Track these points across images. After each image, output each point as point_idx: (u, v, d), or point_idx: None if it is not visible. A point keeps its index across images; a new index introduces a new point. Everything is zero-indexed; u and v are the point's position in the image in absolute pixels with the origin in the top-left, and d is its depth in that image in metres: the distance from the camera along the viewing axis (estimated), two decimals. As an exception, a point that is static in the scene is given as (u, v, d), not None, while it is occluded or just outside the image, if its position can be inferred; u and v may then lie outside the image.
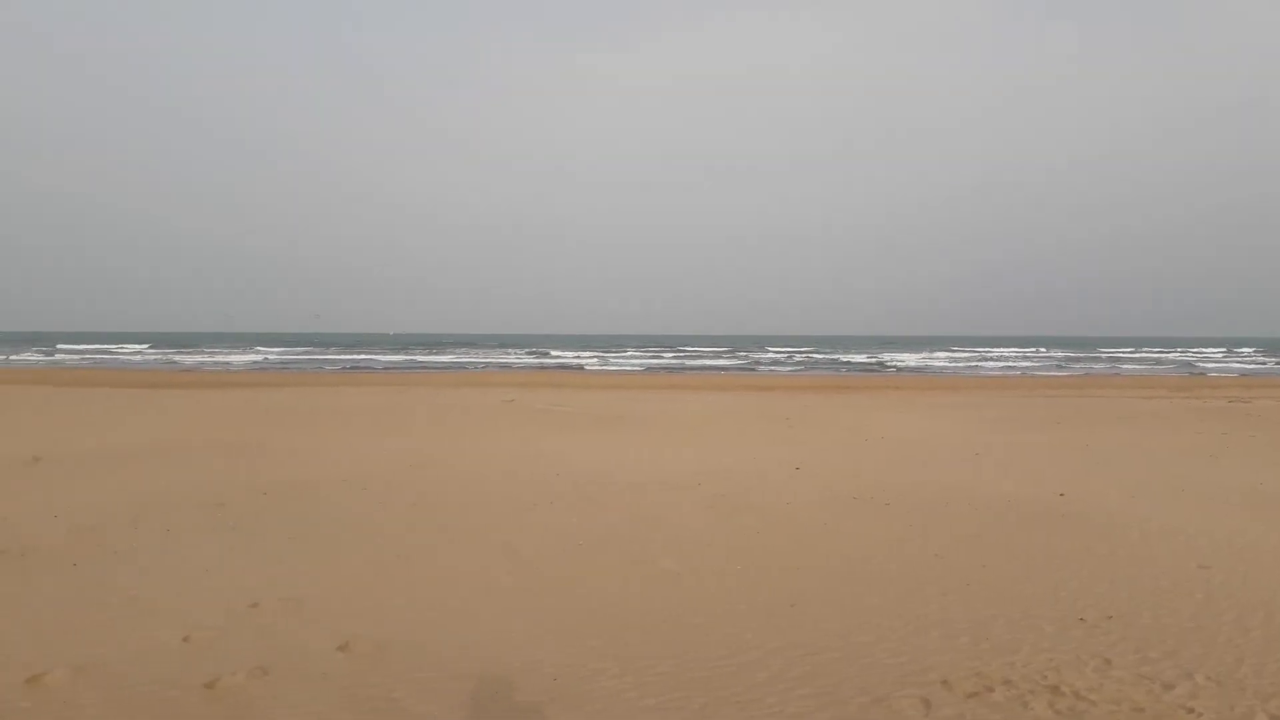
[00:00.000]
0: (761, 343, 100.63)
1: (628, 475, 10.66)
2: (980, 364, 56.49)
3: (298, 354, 67.59)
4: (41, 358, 59.78)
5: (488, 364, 55.91)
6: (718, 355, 68.19)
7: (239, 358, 61.46)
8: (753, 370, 50.88)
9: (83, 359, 57.89)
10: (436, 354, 68.03)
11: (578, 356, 64.89)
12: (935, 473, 11.05)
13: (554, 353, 69.71)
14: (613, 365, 55.82)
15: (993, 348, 79.99)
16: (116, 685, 4.24)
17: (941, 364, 56.67)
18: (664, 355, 67.92)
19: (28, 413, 18.42)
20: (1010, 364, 56.35)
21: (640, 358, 64.53)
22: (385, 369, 49.21)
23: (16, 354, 62.74)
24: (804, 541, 7.43)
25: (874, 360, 59.72)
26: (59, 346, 73.19)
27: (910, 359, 62.03)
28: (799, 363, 58.63)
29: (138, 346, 74.36)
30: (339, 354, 68.10)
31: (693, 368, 53.41)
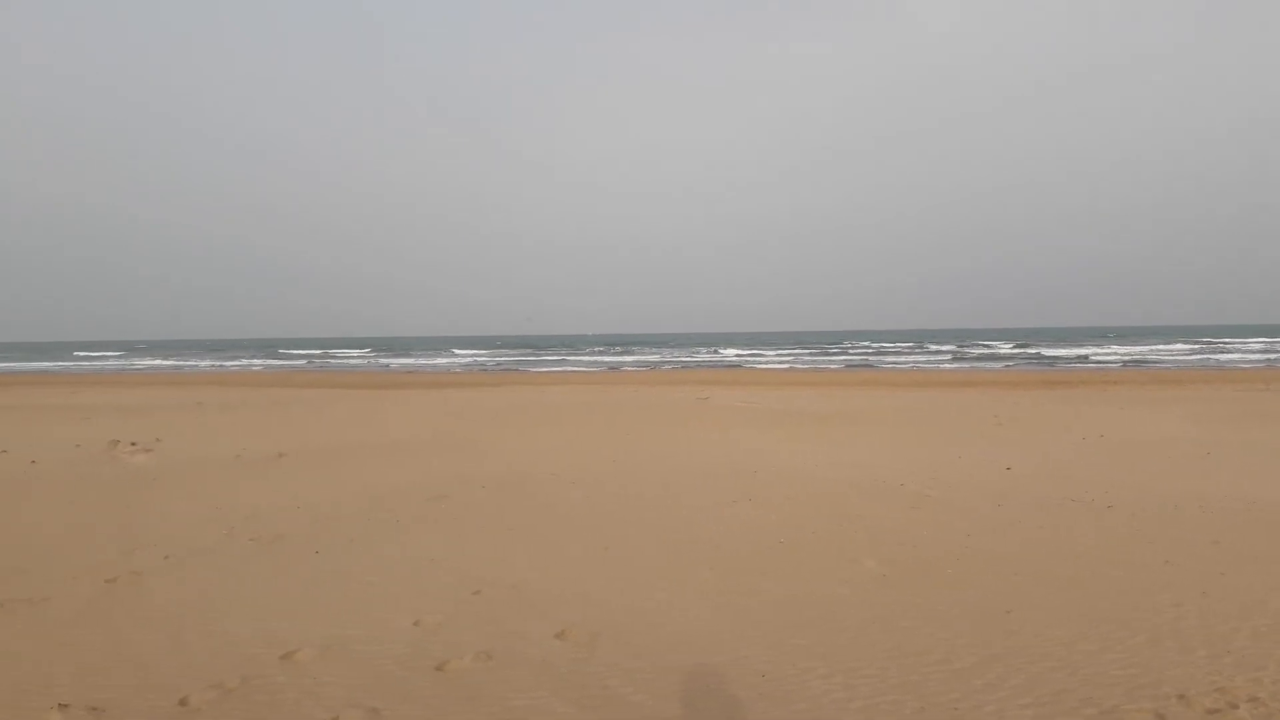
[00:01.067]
0: (925, 338, 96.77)
1: (827, 473, 10.52)
2: (1212, 356, 51.80)
3: (512, 355, 71.13)
4: (273, 361, 65.77)
5: (671, 363, 56.67)
6: (906, 351, 66.22)
7: (445, 360, 65.13)
8: (946, 366, 48.98)
9: (308, 363, 63.22)
10: (624, 353, 69.71)
11: (755, 355, 64.67)
12: (1161, 473, 10.26)
13: (723, 350, 69.93)
14: (800, 363, 55.30)
15: (1225, 338, 73.27)
16: (357, 664, 4.61)
17: (1161, 357, 52.40)
18: (849, 351, 66.77)
19: (272, 413, 20.24)
20: (1244, 355, 51.36)
21: (829, 354, 63.63)
22: (586, 369, 50.76)
23: (251, 358, 69.57)
24: (1018, 545, 7.08)
25: (1080, 354, 55.97)
26: (279, 351, 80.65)
27: (1121, 351, 57.80)
28: (1007, 357, 55.89)
29: (359, 351, 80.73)
30: (544, 355, 71.07)
31: (885, 364, 52.05)
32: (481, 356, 69.05)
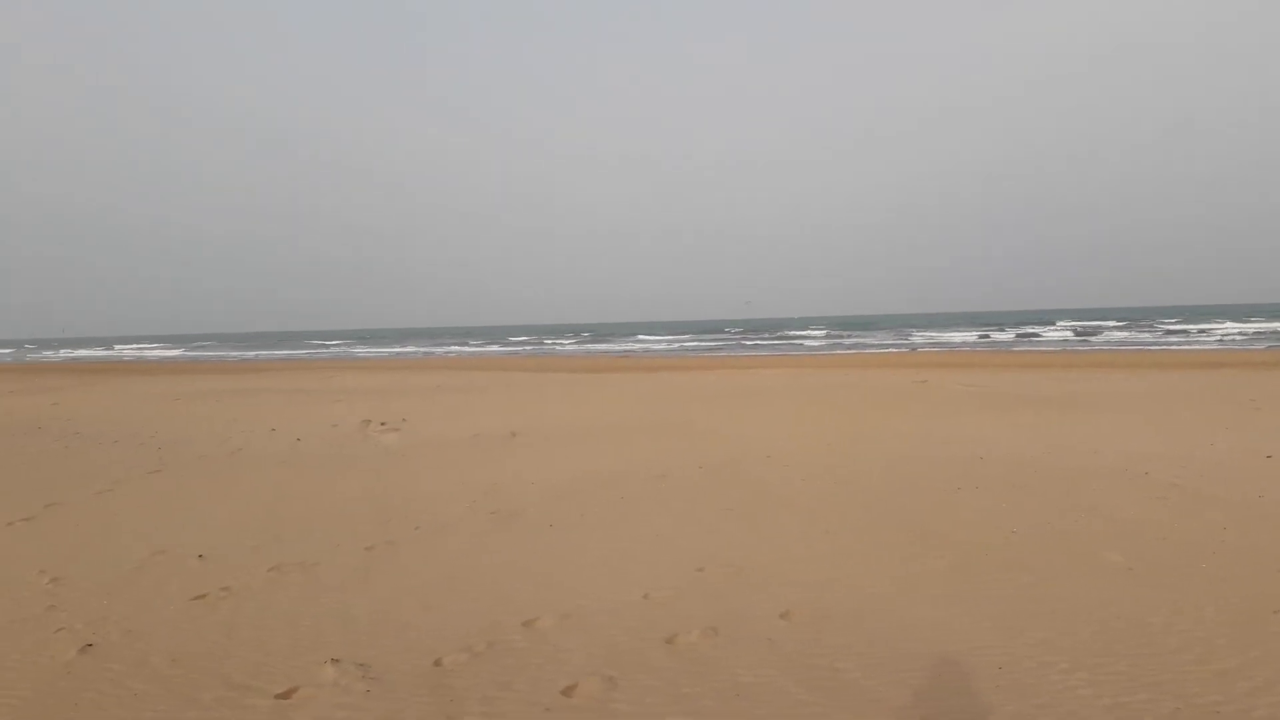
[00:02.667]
0: (1152, 315, 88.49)
1: (1059, 460, 9.94)
2: None
3: (723, 338, 71.72)
4: (496, 347, 69.60)
5: (879, 345, 55.03)
6: (1136, 327, 61.20)
7: (661, 345, 66.42)
8: (1180, 346, 44.81)
9: (530, 348, 66.42)
10: (839, 337, 68.37)
11: (971, 335, 61.63)
12: None
13: (915, 334, 67.10)
14: (1014, 344, 52.32)
15: None
16: (593, 633, 4.85)
17: None
18: (1057, 327, 62.50)
19: (502, 396, 21.39)
20: None
21: (1034, 335, 59.84)
22: (795, 352, 50.31)
23: (481, 344, 74.01)
24: (1289, 539, 6.45)
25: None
26: (508, 339, 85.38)
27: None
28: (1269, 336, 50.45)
29: (569, 336, 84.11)
30: (752, 337, 71.03)
31: (1104, 344, 48.32)
32: (688, 341, 69.85)
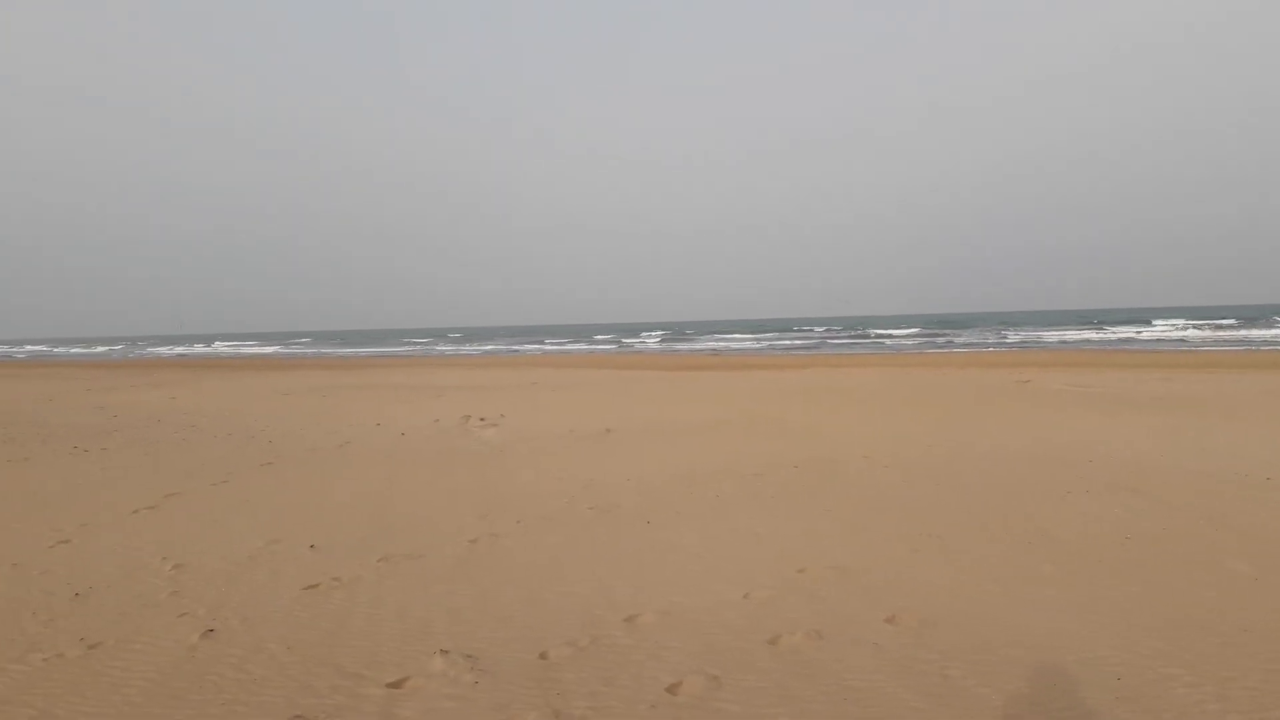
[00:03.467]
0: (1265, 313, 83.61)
1: (1173, 463, 9.51)
2: None
3: (810, 336, 71.02)
4: (583, 345, 70.25)
5: (980, 344, 53.56)
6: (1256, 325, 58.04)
7: (744, 343, 66.07)
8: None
9: (616, 346, 66.90)
10: (933, 335, 66.83)
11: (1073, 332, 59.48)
12: None
13: (1010, 332, 64.88)
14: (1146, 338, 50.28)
15: None
16: (694, 632, 4.84)
17: None
18: (1154, 326, 59.60)
19: (596, 392, 21.57)
20: None
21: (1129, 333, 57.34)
22: (884, 351, 49.45)
23: (573, 341, 74.97)
24: None
25: None
26: (594, 337, 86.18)
27: None
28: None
29: (652, 334, 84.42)
30: (842, 335, 70.13)
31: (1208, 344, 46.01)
32: (776, 339, 69.22)
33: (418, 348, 78.17)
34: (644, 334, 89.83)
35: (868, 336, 67.50)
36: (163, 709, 4.05)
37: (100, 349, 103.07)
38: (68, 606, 5.62)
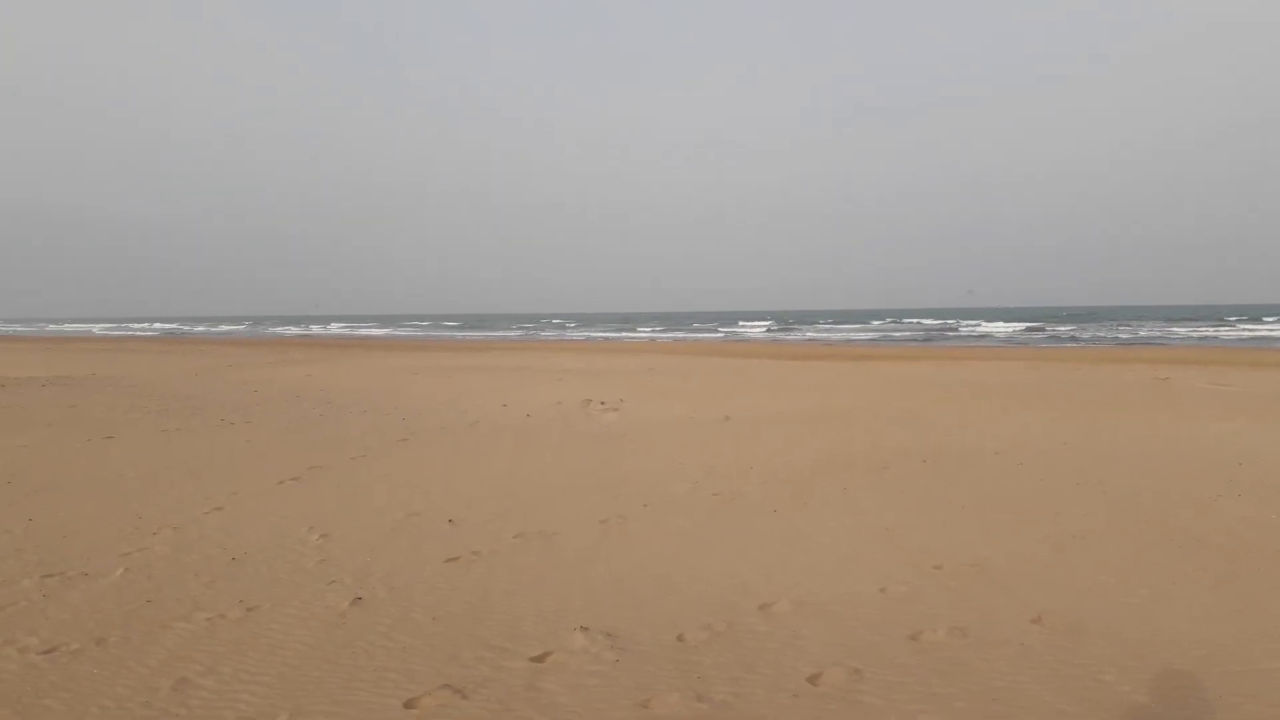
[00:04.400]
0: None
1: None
2: None
3: (919, 330, 69.17)
4: (688, 334, 70.33)
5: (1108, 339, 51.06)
6: None
7: (858, 334, 64.85)
8: None
9: (724, 335, 66.65)
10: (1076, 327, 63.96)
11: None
12: None
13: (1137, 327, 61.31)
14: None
15: None
16: (831, 623, 4.80)
17: None
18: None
19: (714, 379, 21.57)
20: None
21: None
22: (1010, 344, 47.78)
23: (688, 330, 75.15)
24: None
25: None
26: (694, 325, 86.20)
27: None
28: None
29: (760, 324, 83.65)
30: (965, 326, 68.01)
31: None
32: (888, 331, 67.52)
33: (525, 332, 79.75)
34: (741, 322, 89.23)
35: (969, 329, 65.17)
36: (318, 672, 4.26)
37: (224, 327, 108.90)
38: (226, 570, 5.96)
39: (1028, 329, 63.18)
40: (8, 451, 10.60)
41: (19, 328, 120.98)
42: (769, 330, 73.39)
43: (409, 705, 3.87)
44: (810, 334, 64.89)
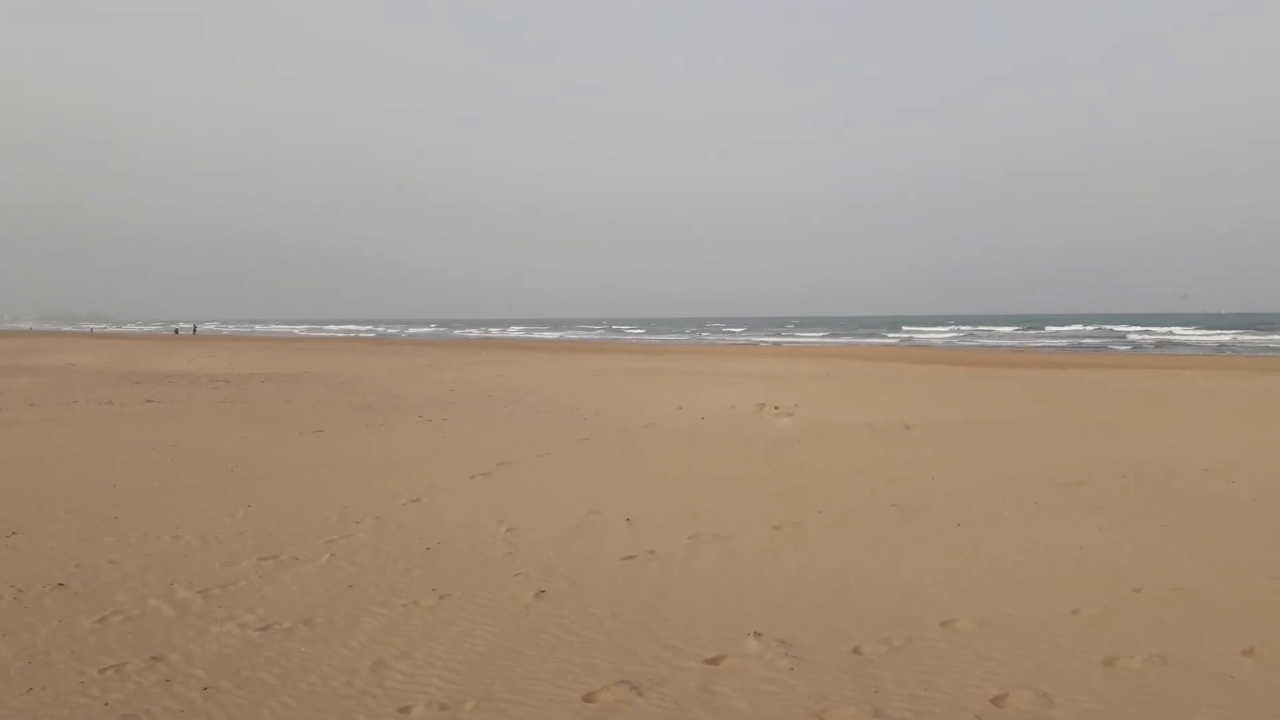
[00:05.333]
0: None
1: None
2: None
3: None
4: (871, 340, 68.42)
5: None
6: None
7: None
8: None
9: (901, 340, 64.49)
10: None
11: None
12: None
13: None
14: None
15: None
16: (1018, 643, 4.58)
17: None
18: None
19: (893, 385, 21.00)
20: None
21: None
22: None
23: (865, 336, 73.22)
24: None
25: None
26: (903, 328, 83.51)
27: None
28: None
29: (943, 329, 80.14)
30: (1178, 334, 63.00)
31: None
32: (1079, 339, 63.17)
33: (692, 335, 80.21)
34: (926, 328, 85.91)
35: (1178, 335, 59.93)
36: (504, 660, 4.47)
37: (413, 330, 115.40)
38: (421, 559, 6.34)
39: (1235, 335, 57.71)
40: (232, 442, 11.68)
41: (233, 328, 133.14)
42: (951, 335, 70.58)
43: (588, 699, 4.00)
44: (991, 340, 61.92)
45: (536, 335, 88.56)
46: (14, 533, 6.90)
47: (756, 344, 60.82)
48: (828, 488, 8.67)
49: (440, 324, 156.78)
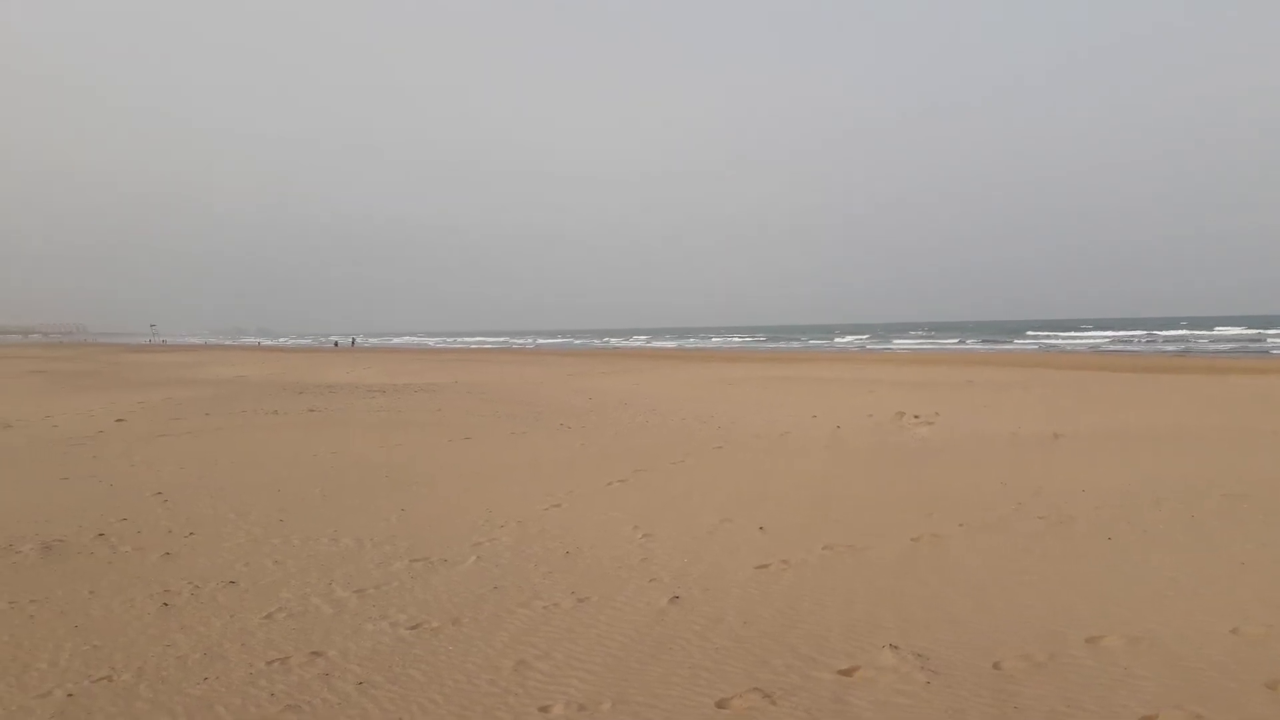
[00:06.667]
0: None
1: None
2: None
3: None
4: (1003, 344, 65.48)
5: None
6: None
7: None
8: None
9: (1038, 346, 61.47)
10: None
11: None
12: None
13: None
14: None
15: None
16: (1169, 662, 4.39)
17: None
18: None
19: (1040, 392, 20.15)
20: None
21: None
22: None
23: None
24: None
25: None
26: (1028, 333, 79.82)
27: None
28: None
29: (1100, 333, 75.54)
30: None
31: None
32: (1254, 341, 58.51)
33: (823, 342, 78.93)
34: (1059, 333, 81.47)
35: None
36: (639, 664, 4.59)
37: (540, 340, 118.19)
38: (561, 562, 6.56)
39: None
40: (387, 449, 12.32)
41: (373, 340, 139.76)
42: (1097, 339, 66.85)
43: (720, 704, 4.07)
44: (1136, 347, 58.24)
45: (657, 345, 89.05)
46: (191, 533, 7.52)
47: (889, 350, 59.33)
48: (969, 499, 8.44)
49: (568, 334, 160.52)
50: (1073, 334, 77.08)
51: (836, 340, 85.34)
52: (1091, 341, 64.43)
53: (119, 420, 16.20)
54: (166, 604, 5.66)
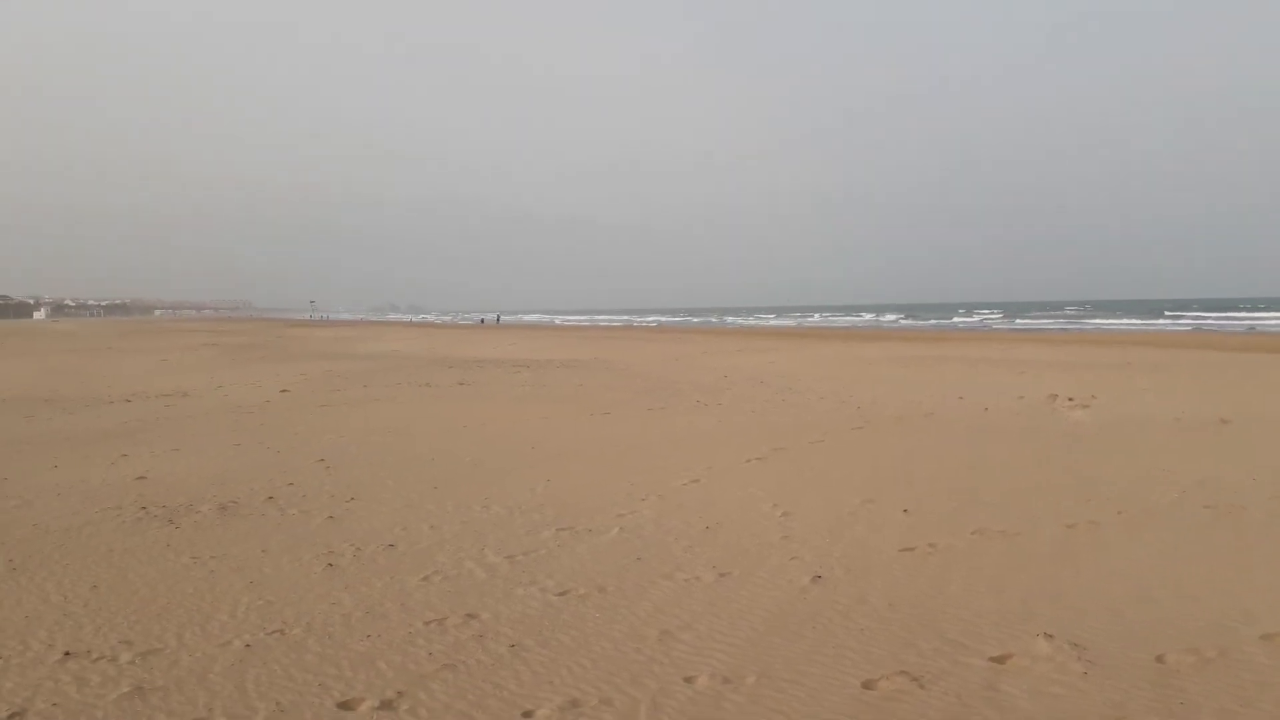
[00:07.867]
0: None
1: None
2: None
3: None
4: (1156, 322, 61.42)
5: None
6: None
7: None
8: None
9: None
10: None
11: None
12: None
13: None
14: None
15: None
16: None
17: None
18: None
19: (1202, 375, 18.94)
20: None
21: None
22: None
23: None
24: None
25: None
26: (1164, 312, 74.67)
27: None
28: None
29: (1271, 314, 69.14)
30: None
31: None
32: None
33: (964, 320, 76.06)
34: (1215, 313, 75.40)
35: None
36: (782, 641, 4.60)
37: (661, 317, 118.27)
38: (701, 536, 6.63)
39: None
40: (533, 421, 12.69)
41: (525, 317, 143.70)
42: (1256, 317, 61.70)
43: (867, 685, 4.05)
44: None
45: (783, 322, 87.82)
46: (352, 498, 7.95)
47: (1040, 331, 56.58)
48: (1129, 486, 8.03)
49: (689, 312, 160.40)
50: (1229, 314, 71.66)
51: (957, 320, 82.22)
52: (1249, 322, 59.50)
53: (284, 391, 17.26)
54: (331, 564, 6.02)
